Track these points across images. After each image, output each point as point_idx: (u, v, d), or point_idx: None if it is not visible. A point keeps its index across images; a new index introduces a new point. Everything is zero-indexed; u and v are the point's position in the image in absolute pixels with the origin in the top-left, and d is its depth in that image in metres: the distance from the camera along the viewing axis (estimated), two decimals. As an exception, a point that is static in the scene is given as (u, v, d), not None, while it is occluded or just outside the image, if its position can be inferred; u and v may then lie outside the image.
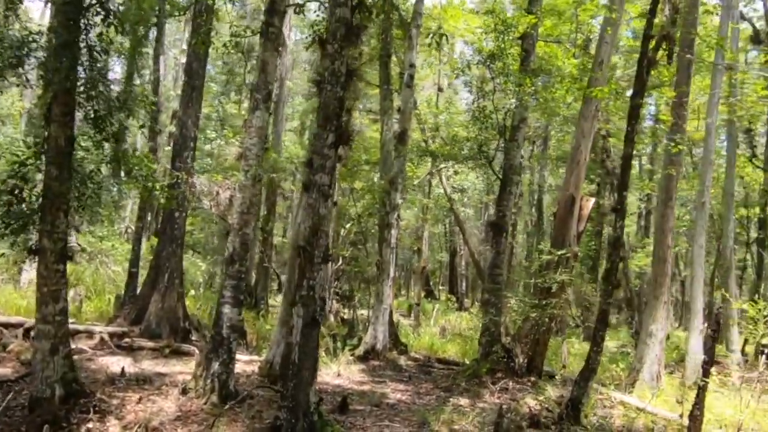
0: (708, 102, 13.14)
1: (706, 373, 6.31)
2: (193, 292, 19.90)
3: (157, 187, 7.91)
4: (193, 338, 12.15)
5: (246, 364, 11.56)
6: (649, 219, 32.18)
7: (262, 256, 20.79)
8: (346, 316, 18.85)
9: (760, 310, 7.45)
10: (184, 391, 7.46)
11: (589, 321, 18.08)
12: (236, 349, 7.77)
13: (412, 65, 14.26)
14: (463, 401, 10.17)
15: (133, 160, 7.03)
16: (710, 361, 6.31)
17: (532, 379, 11.78)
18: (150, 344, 11.39)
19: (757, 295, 21.24)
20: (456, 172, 25.99)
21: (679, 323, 30.78)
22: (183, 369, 10.12)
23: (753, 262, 23.15)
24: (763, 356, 7.78)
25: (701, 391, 6.30)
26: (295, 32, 31.54)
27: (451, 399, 10.27)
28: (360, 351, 13.60)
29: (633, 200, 29.64)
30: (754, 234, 23.88)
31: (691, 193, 26.41)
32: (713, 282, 23.27)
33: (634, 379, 12.15)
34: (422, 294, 37.08)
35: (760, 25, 20.14)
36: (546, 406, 9.89)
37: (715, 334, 6.30)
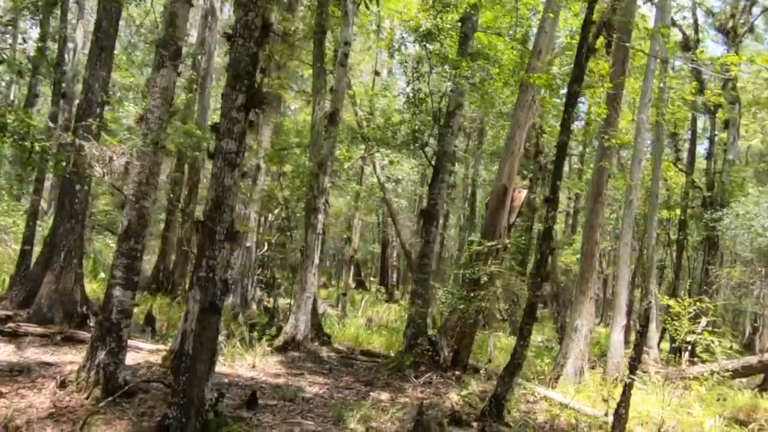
0: (640, 98, 13.14)
1: (633, 370, 6.01)
2: (103, 275, 18.53)
3: (37, 148, 6.88)
4: (91, 324, 11.03)
5: (150, 353, 10.62)
6: (576, 217, 32.87)
7: (182, 240, 19.67)
8: (270, 305, 18.06)
9: (685, 307, 7.27)
10: (63, 384, 6.53)
11: (517, 315, 18.03)
12: (127, 336, 6.89)
13: (347, 43, 13.56)
14: (384, 396, 9.66)
15: (9, 116, 6.02)
16: (638, 358, 6.02)
17: (457, 373, 11.43)
18: (39, 330, 10.21)
19: (674, 293, 22.06)
20: (391, 162, 25.56)
21: (600, 319, 31.65)
22: (75, 359, 9.08)
23: (672, 262, 23.89)
24: (686, 353, 7.61)
25: (627, 389, 5.99)
26: (228, 8, 30.13)
27: (371, 393, 9.75)
28: (279, 341, 12.87)
29: (562, 198, 30.12)
30: (673, 235, 24.66)
31: (616, 193, 27.08)
32: (634, 280, 23.90)
33: (558, 374, 12.01)
34: (352, 284, 36.62)
35: (689, 33, 20.63)
36: (469, 401, 9.51)
37: (644, 329, 6.02)
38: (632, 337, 23.53)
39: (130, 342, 11.00)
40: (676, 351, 16.69)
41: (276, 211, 20.70)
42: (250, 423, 6.90)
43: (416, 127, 11.96)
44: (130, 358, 10.15)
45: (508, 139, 11.98)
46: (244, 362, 11.03)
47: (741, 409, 10.88)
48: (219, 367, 10.43)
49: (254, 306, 19.30)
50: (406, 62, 11.73)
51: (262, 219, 22.43)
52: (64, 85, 13.55)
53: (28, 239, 12.43)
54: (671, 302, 7.21)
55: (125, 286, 6.58)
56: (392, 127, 12.00)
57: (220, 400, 5.68)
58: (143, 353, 10.63)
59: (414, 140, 11.80)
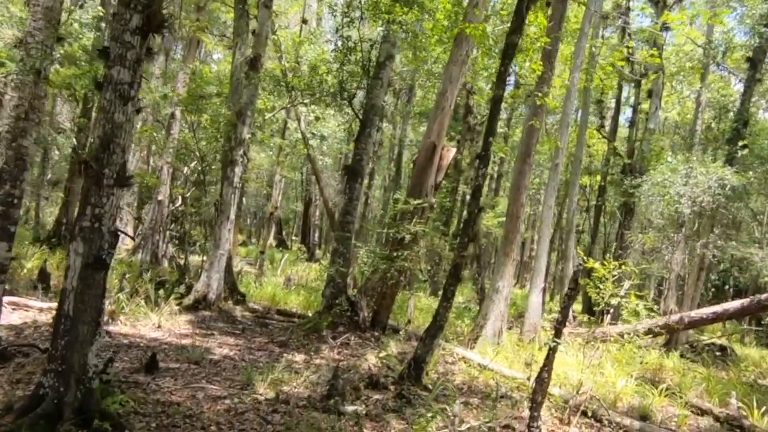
0: (573, 60, 12.98)
1: (558, 334, 5.80)
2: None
3: None
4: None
5: (41, 312, 9.65)
6: (500, 181, 33.32)
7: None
8: (183, 262, 17.14)
9: (610, 270, 7.17)
10: None
11: (439, 275, 17.98)
12: (2, 293, 6.00)
13: (271, -19, 12.55)
14: (299, 357, 9.21)
15: None
16: (564, 321, 5.81)
17: (376, 333, 11.14)
18: None
19: (589, 257, 22.76)
20: (317, 118, 24.84)
21: (516, 281, 32.57)
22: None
23: (589, 227, 24.62)
24: (608, 315, 7.56)
25: (551, 353, 5.79)
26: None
27: (285, 355, 9.27)
28: (190, 300, 12.11)
29: (487, 162, 30.32)
30: (591, 201, 25.39)
31: (540, 157, 27.48)
32: (552, 244, 24.50)
33: (477, 334, 11.99)
34: (273, 242, 35.74)
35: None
36: (387, 363, 9.23)
37: (573, 292, 5.80)
38: (547, 298, 24.25)
39: (18, 300, 10.00)
40: (594, 313, 17.23)
41: (192, 165, 19.51)
42: (147, 389, 6.25)
43: (344, 78, 11.24)
44: (18, 317, 9.20)
45: (439, 95, 11.52)
46: (148, 322, 10.25)
47: (649, 369, 11.28)
48: (119, 328, 9.66)
49: (165, 263, 18.30)
50: (335, 4, 10.90)
51: (178, 173, 21.18)
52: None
53: None
54: (596, 265, 7.07)
55: (0, 237, 5.67)
56: (318, 77, 11.21)
57: (109, 366, 5.00)
58: (33, 312, 9.64)
59: (341, 92, 11.10)
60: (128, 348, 8.34)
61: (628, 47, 19.36)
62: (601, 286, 7.18)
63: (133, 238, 21.35)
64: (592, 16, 14.52)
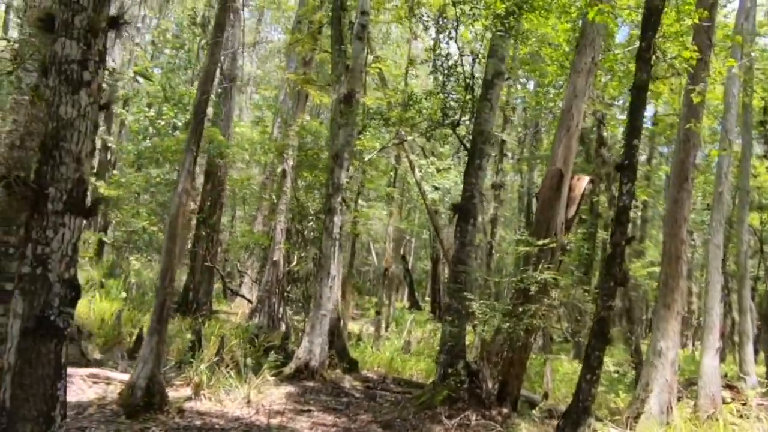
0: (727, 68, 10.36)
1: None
2: (125, 294, 16.90)
3: None
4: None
5: (122, 385, 8.63)
6: (645, 227, 29.76)
7: (206, 255, 18.07)
8: (285, 325, 16.16)
9: None
10: None
11: (582, 334, 15.30)
12: None
13: (364, 12, 11.48)
14: (405, 444, 7.33)
15: None
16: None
17: (504, 410, 8.91)
18: None
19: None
20: (438, 170, 23.51)
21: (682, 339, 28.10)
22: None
23: (765, 273, 20.43)
24: None
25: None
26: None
27: (388, 440, 7.44)
28: (290, 369, 10.74)
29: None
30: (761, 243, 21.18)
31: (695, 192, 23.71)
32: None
33: (638, 411, 9.39)
34: (406, 304, 34.34)
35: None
36: (517, 454, 7.06)
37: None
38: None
39: (100, 372, 9.13)
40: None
41: (310, 224, 18.88)
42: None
43: (446, 104, 9.65)
44: (93, 393, 8.24)
45: (563, 112, 9.53)
46: (236, 396, 8.89)
47: None
48: (201, 404, 8.35)
49: (283, 326, 17.42)
50: (428, 18, 9.47)
51: (292, 231, 20.59)
52: None
53: None
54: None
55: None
56: (417, 105, 9.71)
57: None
58: (114, 385, 8.66)
59: (444, 118, 9.49)
60: (197, 432, 6.96)
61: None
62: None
63: (250, 302, 20.89)
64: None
